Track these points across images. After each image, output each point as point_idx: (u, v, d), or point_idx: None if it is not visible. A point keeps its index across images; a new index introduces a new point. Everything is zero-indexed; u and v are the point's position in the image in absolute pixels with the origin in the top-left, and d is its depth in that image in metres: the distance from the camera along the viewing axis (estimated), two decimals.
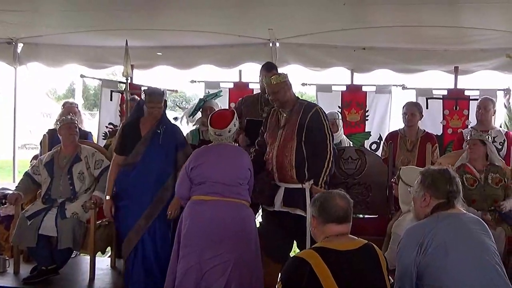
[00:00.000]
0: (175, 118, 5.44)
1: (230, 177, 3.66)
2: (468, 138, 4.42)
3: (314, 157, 3.93)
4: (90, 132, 5.62)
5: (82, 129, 5.31)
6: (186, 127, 5.47)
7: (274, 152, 3.99)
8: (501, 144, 4.89)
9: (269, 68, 4.71)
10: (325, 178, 3.90)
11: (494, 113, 5.32)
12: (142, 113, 4.27)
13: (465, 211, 2.71)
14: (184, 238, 3.62)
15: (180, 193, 3.79)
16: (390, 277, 2.55)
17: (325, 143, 3.94)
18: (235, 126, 3.83)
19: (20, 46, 6.50)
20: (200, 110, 5.24)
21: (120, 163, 4.24)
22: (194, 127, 5.32)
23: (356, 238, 2.54)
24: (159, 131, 4.20)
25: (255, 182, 3.90)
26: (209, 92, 5.94)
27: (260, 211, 4.42)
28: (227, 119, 3.80)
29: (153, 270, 4.10)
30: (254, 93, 5.41)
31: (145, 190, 4.11)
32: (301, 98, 4.24)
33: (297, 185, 3.92)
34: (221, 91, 5.92)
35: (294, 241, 4.23)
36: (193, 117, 5.23)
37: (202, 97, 5.43)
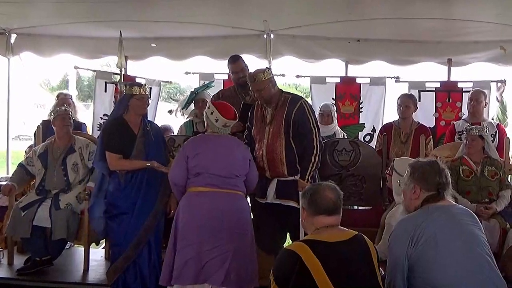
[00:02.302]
0: (170, 111, 5.43)
1: (227, 170, 3.64)
2: (463, 132, 4.43)
3: (302, 151, 3.92)
4: (84, 123, 5.60)
5: (76, 120, 5.30)
6: (180, 120, 5.47)
7: (263, 149, 3.96)
8: (492, 136, 4.92)
9: (234, 60, 4.73)
10: (311, 173, 3.89)
11: (486, 105, 5.34)
12: (126, 108, 4.07)
13: (455, 203, 2.72)
14: (182, 230, 3.58)
15: (176, 180, 3.69)
16: (381, 269, 2.57)
17: (311, 137, 3.92)
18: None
19: (13, 36, 6.45)
20: (193, 102, 5.24)
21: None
22: (187, 119, 5.32)
23: (346, 229, 2.55)
24: (147, 128, 4.10)
25: None
26: (204, 84, 5.93)
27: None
28: (232, 109, 3.79)
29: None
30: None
31: (153, 189, 4.02)
32: (285, 90, 4.12)
33: (290, 177, 3.93)
34: (213, 81, 5.91)
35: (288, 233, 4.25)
36: (186, 110, 5.22)
37: (193, 89, 5.41)
